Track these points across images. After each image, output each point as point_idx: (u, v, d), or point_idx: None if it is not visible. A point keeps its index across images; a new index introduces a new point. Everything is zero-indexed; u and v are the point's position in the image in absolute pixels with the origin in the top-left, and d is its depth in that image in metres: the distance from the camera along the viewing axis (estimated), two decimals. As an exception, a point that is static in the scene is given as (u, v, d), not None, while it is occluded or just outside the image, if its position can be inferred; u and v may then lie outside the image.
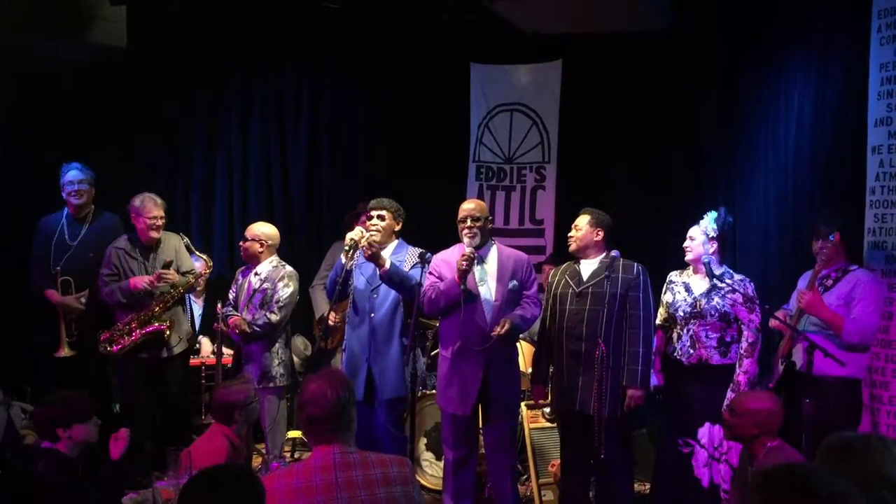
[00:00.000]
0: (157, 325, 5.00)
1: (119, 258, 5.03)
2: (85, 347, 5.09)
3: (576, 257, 4.41)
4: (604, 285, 4.18)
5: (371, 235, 4.44)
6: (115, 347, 4.96)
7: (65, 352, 5.01)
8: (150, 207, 5.04)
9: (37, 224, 5.25)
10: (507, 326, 4.17)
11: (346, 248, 4.43)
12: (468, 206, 4.41)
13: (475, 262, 4.30)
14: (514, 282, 4.34)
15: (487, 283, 4.34)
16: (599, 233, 4.32)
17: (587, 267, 4.33)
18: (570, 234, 4.40)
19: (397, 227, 4.65)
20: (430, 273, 4.38)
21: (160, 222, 5.09)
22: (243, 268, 5.21)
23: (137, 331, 4.96)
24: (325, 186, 6.90)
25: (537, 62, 6.81)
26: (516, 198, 6.90)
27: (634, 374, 4.12)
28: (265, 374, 4.95)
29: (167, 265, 5.03)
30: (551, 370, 4.47)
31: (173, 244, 5.21)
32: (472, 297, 4.28)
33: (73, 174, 5.13)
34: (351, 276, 4.58)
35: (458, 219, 4.39)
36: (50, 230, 5.16)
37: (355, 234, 4.48)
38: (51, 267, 5.09)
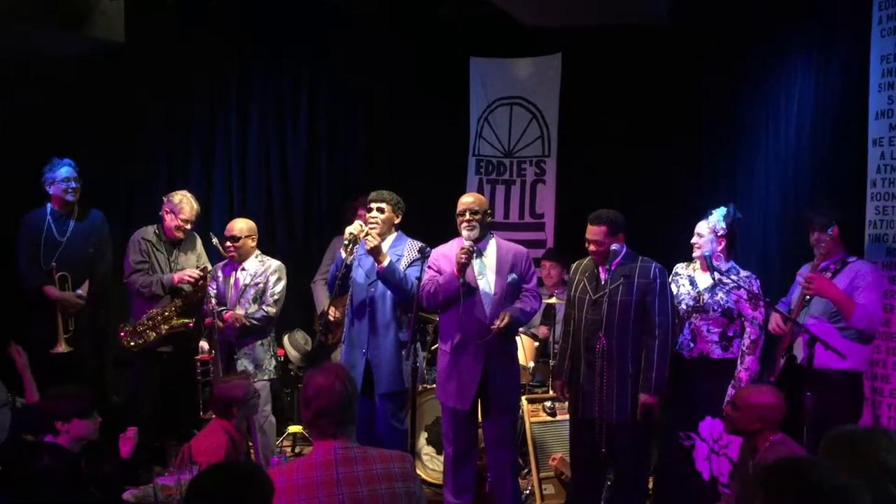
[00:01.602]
0: (181, 322, 5.04)
1: (148, 248, 5.11)
2: (82, 343, 5.08)
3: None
4: (619, 293, 4.08)
5: (371, 229, 4.43)
6: (136, 342, 4.97)
7: (62, 347, 5.00)
8: (187, 211, 5.12)
9: (22, 221, 5.19)
10: (506, 320, 4.16)
11: (346, 242, 4.43)
12: (467, 200, 4.39)
13: (474, 255, 4.29)
14: (514, 275, 4.32)
15: (486, 277, 4.32)
16: (620, 238, 4.17)
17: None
18: (591, 249, 4.20)
19: (397, 220, 4.62)
20: (429, 267, 4.37)
21: (189, 227, 5.17)
22: (223, 264, 5.19)
23: (162, 327, 4.99)
24: (324, 181, 6.88)
25: (537, 55, 6.79)
26: (516, 192, 6.89)
27: (650, 381, 4.05)
28: (259, 367, 5.01)
29: (204, 269, 5.16)
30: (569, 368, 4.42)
31: (198, 244, 5.31)
32: (472, 290, 4.26)
33: (67, 171, 5.08)
34: (351, 269, 4.57)
35: (457, 212, 4.36)
36: (36, 227, 5.11)
37: (354, 228, 4.47)
38: (42, 263, 5.06)
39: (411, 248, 4.52)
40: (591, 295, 4.18)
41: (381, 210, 4.54)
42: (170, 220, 5.12)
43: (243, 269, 5.07)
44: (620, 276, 4.10)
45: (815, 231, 4.11)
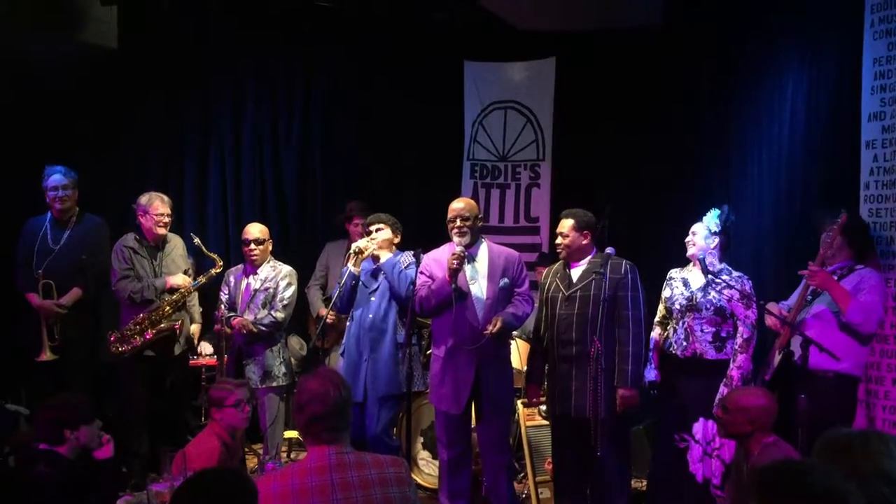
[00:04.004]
0: (168, 324, 5.02)
1: (130, 255, 5.08)
2: (73, 350, 5.06)
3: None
4: (591, 288, 4.16)
5: (374, 245, 4.58)
6: (125, 348, 4.95)
7: (46, 356, 4.99)
8: (157, 205, 5.09)
9: (22, 226, 5.21)
10: (498, 325, 4.18)
11: (353, 252, 4.56)
12: (457, 206, 4.41)
13: (466, 260, 4.30)
14: (506, 279, 4.34)
15: (478, 282, 4.34)
16: (586, 235, 4.29)
17: (577, 270, 4.31)
18: (557, 242, 4.36)
19: (396, 240, 4.73)
20: (422, 272, 4.39)
21: (167, 219, 5.13)
22: (236, 269, 5.20)
23: (150, 330, 4.98)
24: (318, 186, 6.87)
25: (531, 59, 6.79)
26: (511, 196, 6.89)
27: (625, 373, 4.10)
28: (268, 374, 5.02)
29: (186, 272, 5.17)
30: (546, 370, 4.46)
31: (180, 246, 5.29)
32: (463, 295, 4.28)
33: (56, 178, 5.08)
34: (359, 281, 4.66)
35: (448, 218, 4.39)
36: (33, 233, 5.13)
37: (360, 243, 4.60)
38: (34, 270, 5.05)
39: (406, 257, 4.63)
40: (564, 292, 4.24)
41: (379, 230, 4.64)
42: (147, 221, 5.09)
43: (255, 275, 5.08)
44: (591, 273, 4.19)
45: (824, 228, 4.10)
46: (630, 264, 4.24)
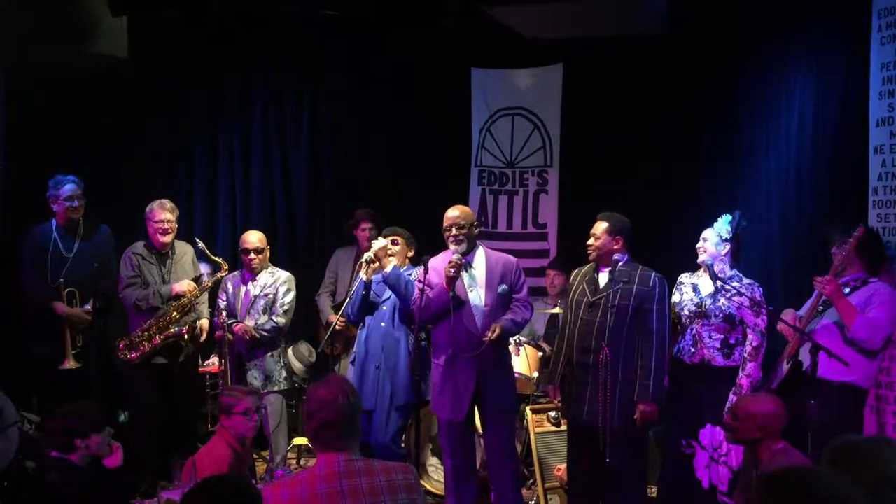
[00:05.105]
0: (177, 329, 5.04)
1: (138, 262, 5.10)
2: (89, 358, 5.09)
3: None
4: (617, 297, 4.10)
5: (389, 257, 4.55)
6: (134, 354, 4.98)
7: (70, 363, 5.01)
8: (158, 211, 5.09)
9: (26, 234, 5.19)
10: (497, 331, 4.17)
11: (364, 260, 4.54)
12: (452, 214, 4.38)
13: (463, 268, 4.30)
14: (504, 286, 4.34)
15: (476, 289, 4.33)
16: (618, 240, 4.21)
17: (605, 275, 4.24)
18: (588, 243, 4.28)
19: (410, 254, 4.79)
20: (419, 280, 4.38)
21: (167, 226, 5.11)
22: (233, 276, 5.23)
23: (157, 336, 5.01)
24: (326, 192, 6.89)
25: (538, 66, 6.80)
26: (519, 202, 6.90)
27: (646, 388, 4.06)
28: (269, 378, 5.08)
29: (197, 279, 5.18)
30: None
31: (189, 253, 5.30)
32: (462, 303, 4.28)
33: (71, 188, 5.08)
34: (370, 290, 4.67)
35: (444, 227, 4.37)
36: (43, 242, 5.11)
37: (374, 247, 4.58)
38: (49, 279, 5.06)
39: (418, 272, 4.61)
40: (589, 297, 4.21)
41: (395, 243, 4.70)
42: (151, 229, 5.12)
43: (254, 281, 5.10)
44: (620, 282, 4.13)
45: (837, 241, 4.08)
46: (659, 277, 4.18)
